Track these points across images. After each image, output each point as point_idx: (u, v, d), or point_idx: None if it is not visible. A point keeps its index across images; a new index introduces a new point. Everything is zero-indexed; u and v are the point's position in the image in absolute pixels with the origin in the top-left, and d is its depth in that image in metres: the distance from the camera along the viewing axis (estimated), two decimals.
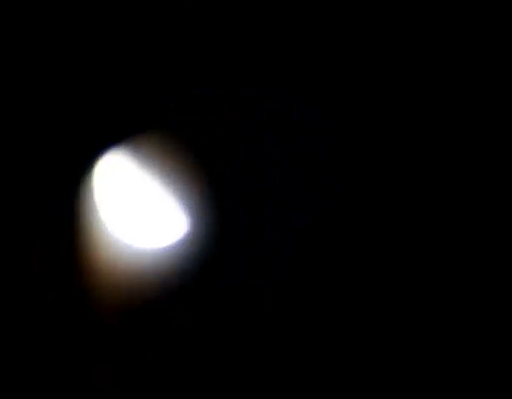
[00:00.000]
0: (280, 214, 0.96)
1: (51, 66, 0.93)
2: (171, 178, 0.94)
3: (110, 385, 0.94)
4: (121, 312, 0.94)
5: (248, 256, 0.96)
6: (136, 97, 0.94)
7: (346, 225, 0.97)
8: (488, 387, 0.94)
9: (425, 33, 0.93)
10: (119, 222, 0.95)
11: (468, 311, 0.95)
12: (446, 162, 0.95)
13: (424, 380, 0.95)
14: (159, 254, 0.95)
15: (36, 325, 0.94)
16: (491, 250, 0.95)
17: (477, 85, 0.94)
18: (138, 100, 0.94)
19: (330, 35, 0.93)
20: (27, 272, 0.94)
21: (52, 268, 0.94)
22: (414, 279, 0.96)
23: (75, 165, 0.93)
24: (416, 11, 0.92)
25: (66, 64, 0.93)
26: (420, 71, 0.94)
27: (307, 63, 0.94)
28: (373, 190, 0.96)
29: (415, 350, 0.95)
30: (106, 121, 0.94)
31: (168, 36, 0.93)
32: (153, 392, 0.95)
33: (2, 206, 0.93)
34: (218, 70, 0.93)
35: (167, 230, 0.95)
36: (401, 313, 0.96)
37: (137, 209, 0.96)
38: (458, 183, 0.96)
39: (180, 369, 0.95)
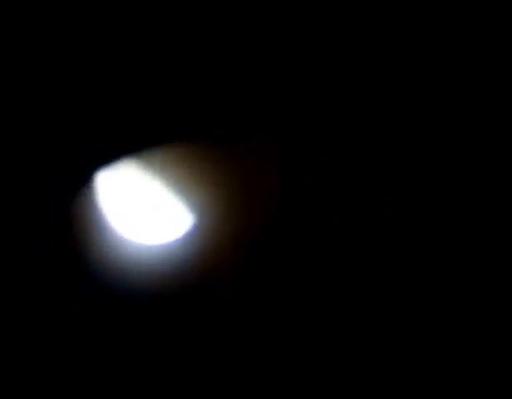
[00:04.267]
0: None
1: (64, 71, 0.94)
2: (176, 180, 0.95)
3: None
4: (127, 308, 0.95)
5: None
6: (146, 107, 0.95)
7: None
8: (488, 387, 0.94)
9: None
10: (123, 219, 0.96)
11: (463, 312, 0.95)
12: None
13: (424, 380, 0.95)
14: (162, 250, 0.95)
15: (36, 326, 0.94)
16: (490, 252, 0.95)
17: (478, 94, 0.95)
18: (148, 109, 0.95)
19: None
20: (30, 270, 0.94)
21: (56, 266, 0.95)
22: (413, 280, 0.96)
23: (80, 166, 0.94)
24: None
25: (78, 69, 0.93)
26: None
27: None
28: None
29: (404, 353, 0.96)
30: (114, 127, 0.94)
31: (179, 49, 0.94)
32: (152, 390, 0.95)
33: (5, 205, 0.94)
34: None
35: (170, 227, 0.96)
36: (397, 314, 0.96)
37: (141, 207, 0.97)
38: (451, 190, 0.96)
39: (184, 367, 0.95)
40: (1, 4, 0.92)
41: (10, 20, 0.93)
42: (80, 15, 0.93)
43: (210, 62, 0.94)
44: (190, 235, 0.95)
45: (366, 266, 0.96)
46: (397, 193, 0.96)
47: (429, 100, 0.95)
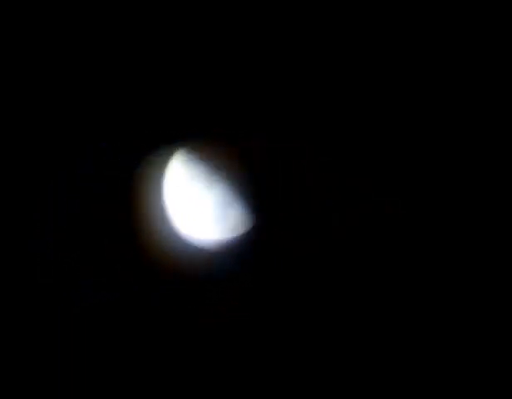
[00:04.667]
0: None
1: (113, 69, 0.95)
2: (232, 177, 0.95)
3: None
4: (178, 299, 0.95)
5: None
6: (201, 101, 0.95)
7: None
8: (488, 387, 0.94)
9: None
10: (180, 216, 0.97)
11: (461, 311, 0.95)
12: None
13: (424, 380, 0.95)
14: (218, 247, 0.96)
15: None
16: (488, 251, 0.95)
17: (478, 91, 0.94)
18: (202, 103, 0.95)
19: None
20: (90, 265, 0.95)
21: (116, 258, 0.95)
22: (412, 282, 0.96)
23: (138, 163, 0.95)
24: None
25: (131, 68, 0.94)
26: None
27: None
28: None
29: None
30: (169, 123, 0.95)
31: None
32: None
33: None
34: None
35: (226, 226, 0.96)
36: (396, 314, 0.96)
37: (199, 205, 0.97)
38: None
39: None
40: (1, 4, 0.93)
41: (12, 20, 0.93)
42: (88, 18, 0.93)
43: (212, 64, 0.94)
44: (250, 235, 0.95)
45: (366, 266, 0.96)
46: (397, 193, 0.96)
47: (429, 100, 0.95)
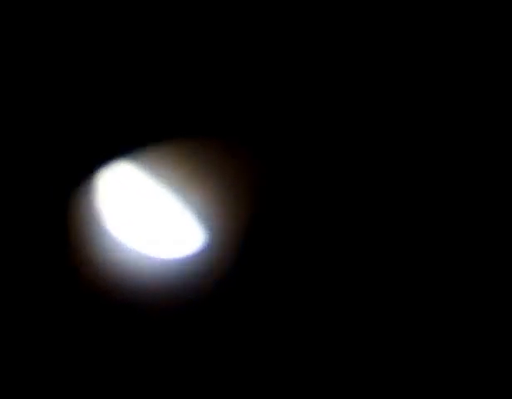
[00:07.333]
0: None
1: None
2: (186, 188, 0.92)
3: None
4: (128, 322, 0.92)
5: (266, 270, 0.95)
6: (151, 105, 0.93)
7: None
8: (488, 387, 0.94)
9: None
10: (128, 230, 0.92)
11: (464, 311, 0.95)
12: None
13: (424, 380, 0.95)
14: (172, 266, 0.92)
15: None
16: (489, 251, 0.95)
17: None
18: (151, 108, 0.93)
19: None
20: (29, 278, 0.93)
21: (54, 275, 0.93)
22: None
23: (81, 172, 0.92)
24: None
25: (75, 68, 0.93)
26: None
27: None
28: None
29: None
30: (117, 127, 0.92)
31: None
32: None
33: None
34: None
35: (182, 242, 0.93)
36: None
37: (150, 219, 0.93)
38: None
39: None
40: (1, 4, 0.93)
41: (10, 20, 0.93)
42: (81, 16, 0.93)
43: (207, 63, 0.94)
44: (202, 251, 0.91)
45: (366, 266, 0.96)
46: (397, 193, 0.96)
47: (429, 100, 0.95)
